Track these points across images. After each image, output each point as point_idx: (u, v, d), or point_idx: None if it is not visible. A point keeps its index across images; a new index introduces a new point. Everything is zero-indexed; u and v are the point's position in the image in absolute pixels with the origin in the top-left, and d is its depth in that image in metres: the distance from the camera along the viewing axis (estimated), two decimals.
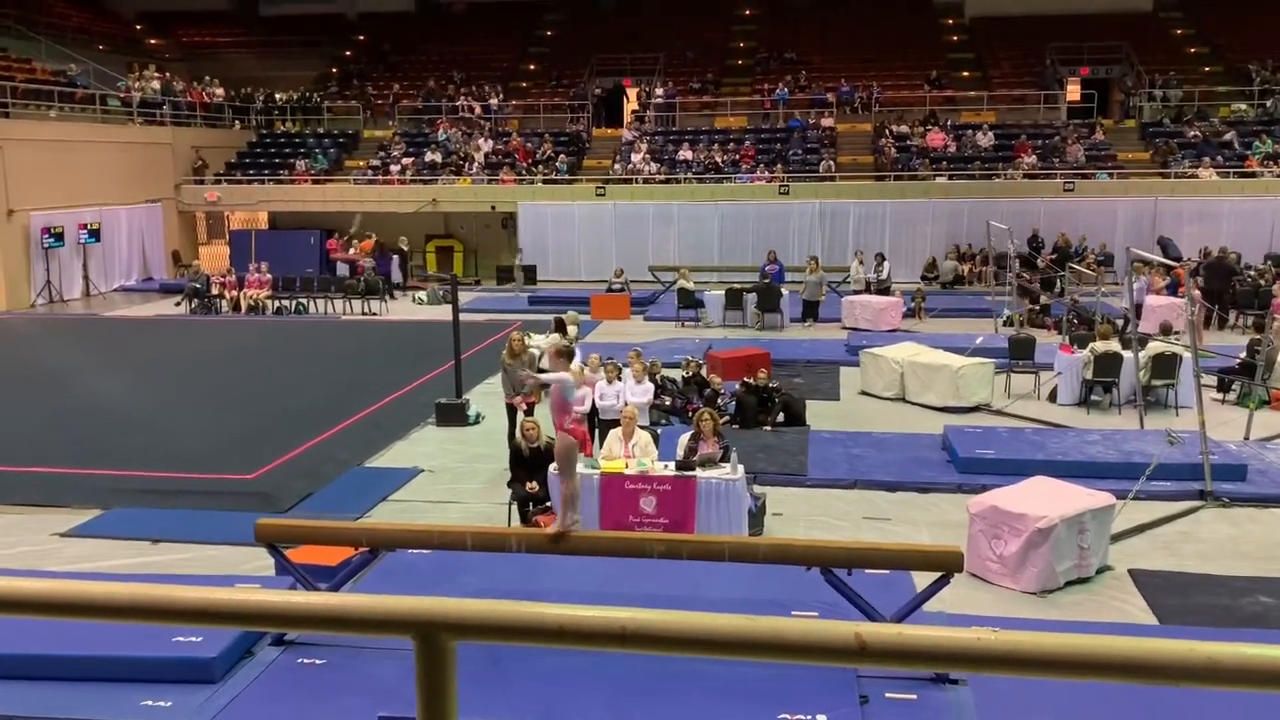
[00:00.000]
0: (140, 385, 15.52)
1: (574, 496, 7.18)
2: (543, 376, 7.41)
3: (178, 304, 23.32)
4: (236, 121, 31.80)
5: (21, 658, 6.50)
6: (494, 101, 31.08)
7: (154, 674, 6.44)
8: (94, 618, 1.38)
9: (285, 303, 23.11)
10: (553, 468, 9.16)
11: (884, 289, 21.43)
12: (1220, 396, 13.97)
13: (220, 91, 31.55)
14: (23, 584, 1.39)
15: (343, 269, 25.27)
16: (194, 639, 6.63)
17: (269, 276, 23.27)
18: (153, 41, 36.04)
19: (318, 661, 6.71)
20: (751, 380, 12.85)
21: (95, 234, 25.08)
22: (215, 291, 23.11)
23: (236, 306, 22.85)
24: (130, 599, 1.36)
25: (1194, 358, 10.82)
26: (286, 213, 28.68)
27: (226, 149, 30.43)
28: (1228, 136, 27.09)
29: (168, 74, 30.94)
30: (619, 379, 11.17)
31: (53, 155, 23.78)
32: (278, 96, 32.71)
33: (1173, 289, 19.49)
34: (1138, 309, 14.88)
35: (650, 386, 11.48)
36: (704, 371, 13.44)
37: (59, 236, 23.88)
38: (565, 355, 7.24)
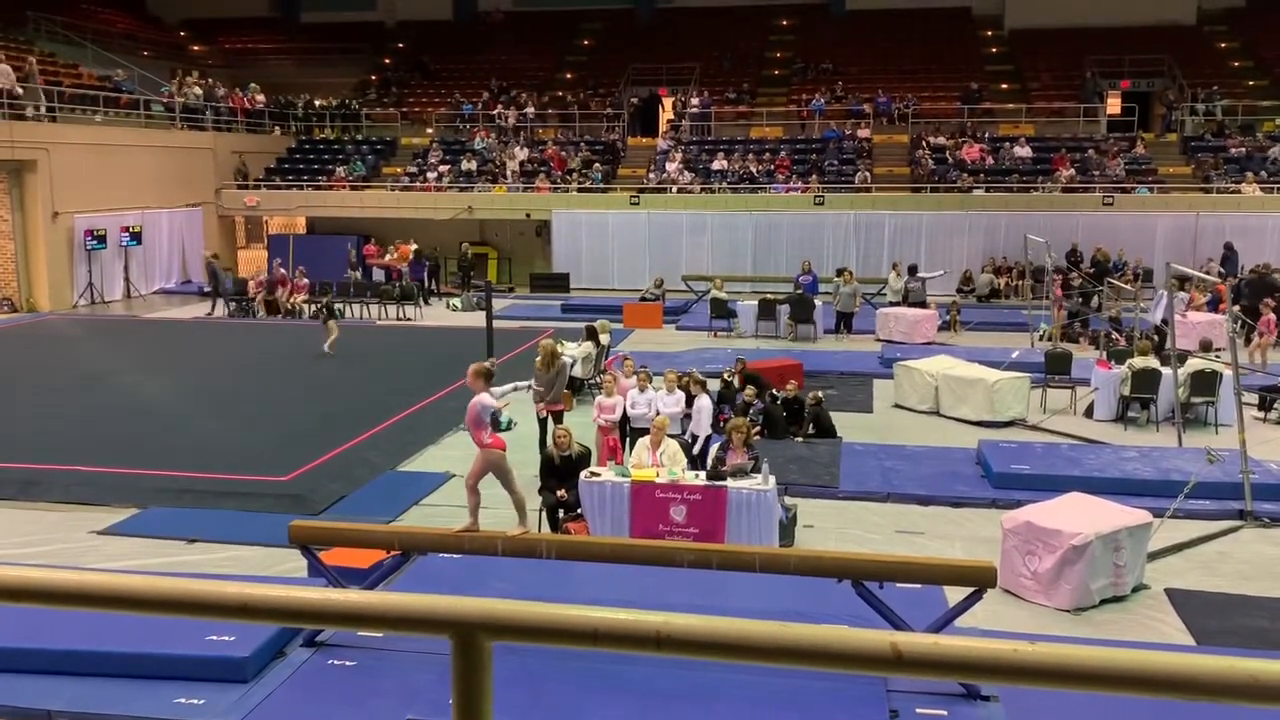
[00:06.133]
0: (177, 386, 15.70)
1: (520, 505, 7.50)
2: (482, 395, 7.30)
3: (203, 294, 23.66)
4: (276, 127, 32.18)
5: (59, 653, 6.60)
6: (530, 110, 31.24)
7: (188, 672, 6.52)
8: (138, 611, 1.40)
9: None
10: (584, 474, 9.19)
11: (919, 302, 21.28)
12: (1261, 415, 13.75)
13: (261, 98, 31.95)
14: (69, 576, 1.41)
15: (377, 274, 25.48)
16: (227, 638, 6.70)
17: (306, 281, 23.48)
18: (196, 48, 36.59)
19: (348, 663, 6.77)
20: (778, 392, 12.77)
21: (136, 237, 25.47)
22: (250, 294, 23.35)
23: (274, 310, 23.03)
24: (173, 593, 1.38)
25: (1235, 375, 10.67)
26: (324, 218, 28.97)
27: (266, 154, 30.80)
28: (1272, 151, 26.69)
29: (210, 80, 31.39)
30: (650, 387, 11.16)
31: (97, 159, 24.19)
32: (317, 103, 33.10)
33: (1213, 305, 19.24)
34: (1163, 324, 14.71)
35: (681, 396, 11.46)
36: (736, 382, 13.38)
37: (101, 239, 24.27)
38: (484, 376, 7.32)
